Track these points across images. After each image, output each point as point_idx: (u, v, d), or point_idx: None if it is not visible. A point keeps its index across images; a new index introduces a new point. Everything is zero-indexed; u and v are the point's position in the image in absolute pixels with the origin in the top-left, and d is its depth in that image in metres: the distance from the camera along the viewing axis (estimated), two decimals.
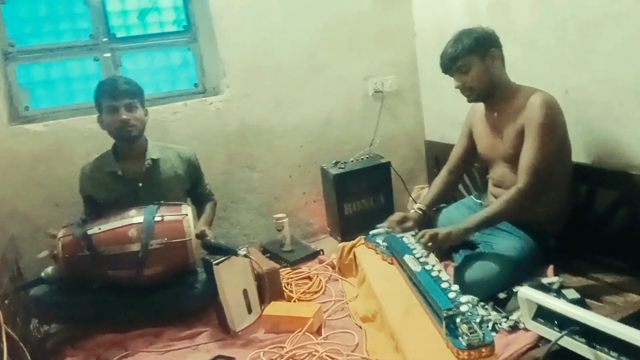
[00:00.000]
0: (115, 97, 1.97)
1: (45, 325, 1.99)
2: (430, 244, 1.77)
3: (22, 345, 1.58)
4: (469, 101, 1.93)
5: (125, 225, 1.84)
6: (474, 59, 1.81)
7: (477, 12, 2.32)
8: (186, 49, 2.60)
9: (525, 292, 1.42)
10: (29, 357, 1.59)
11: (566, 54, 1.95)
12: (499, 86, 1.86)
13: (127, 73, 2.47)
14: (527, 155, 1.76)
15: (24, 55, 2.35)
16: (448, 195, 2.25)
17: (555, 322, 1.36)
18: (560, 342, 1.31)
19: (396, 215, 2.10)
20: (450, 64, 1.85)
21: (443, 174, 2.18)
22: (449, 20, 2.50)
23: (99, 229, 1.84)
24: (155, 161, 2.08)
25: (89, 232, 1.83)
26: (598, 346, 1.24)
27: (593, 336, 1.25)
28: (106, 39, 2.45)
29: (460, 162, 2.15)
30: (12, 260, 2.09)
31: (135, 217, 1.87)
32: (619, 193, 1.84)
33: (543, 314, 1.40)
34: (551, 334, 1.36)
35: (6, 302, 1.73)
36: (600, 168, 1.90)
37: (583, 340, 1.27)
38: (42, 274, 1.86)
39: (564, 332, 1.29)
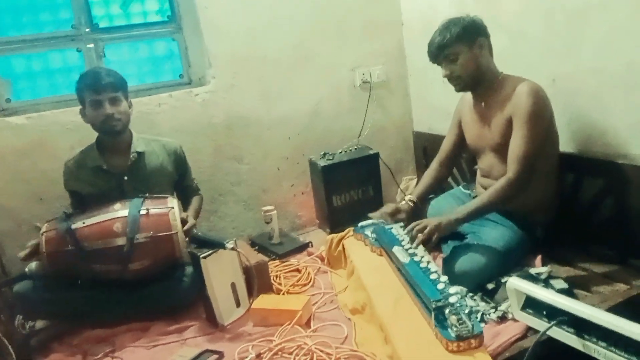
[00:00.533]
0: (98, 91, 1.92)
1: (31, 322, 1.95)
2: (419, 236, 1.76)
3: (6, 342, 1.56)
4: (457, 90, 1.92)
5: (110, 219, 1.81)
6: (462, 48, 1.80)
7: (463, 1, 2.30)
8: (170, 39, 2.56)
9: (514, 282, 1.42)
10: (14, 354, 1.57)
11: (554, 42, 1.95)
12: (486, 75, 1.86)
13: (110, 64, 2.43)
14: (517, 144, 1.76)
15: (4, 46, 2.30)
16: (439, 187, 2.24)
17: (544, 313, 1.36)
18: (549, 333, 1.31)
19: (388, 207, 2.10)
20: (438, 52, 1.84)
21: (434, 165, 2.17)
22: (436, 10, 2.48)
23: (83, 223, 1.81)
24: (140, 154, 2.04)
25: (73, 226, 1.79)
26: (587, 336, 1.25)
27: (582, 326, 1.25)
28: (89, 30, 2.39)
29: (451, 153, 2.15)
30: None
31: (120, 210, 1.84)
32: (605, 182, 1.85)
33: (532, 304, 1.40)
34: (540, 324, 1.36)
35: None
36: (587, 157, 1.90)
37: (572, 330, 1.28)
38: (26, 270, 1.83)
39: (552, 323, 1.29)
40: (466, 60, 1.81)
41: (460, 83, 1.87)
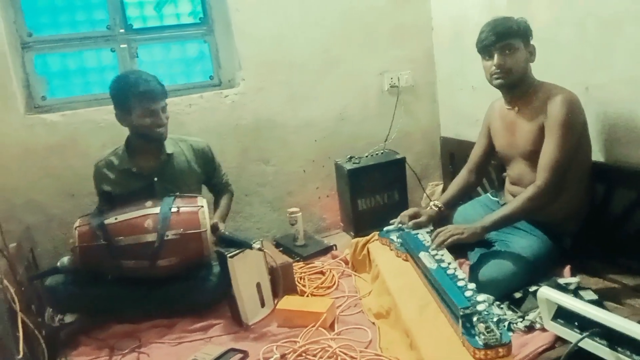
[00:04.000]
0: (154, 100, 1.93)
1: (60, 315, 2.00)
2: (442, 239, 1.80)
3: (37, 333, 1.59)
4: (498, 84, 1.84)
5: (142, 216, 1.84)
6: (520, 43, 1.79)
7: (496, 8, 2.29)
8: (202, 41, 2.59)
9: (546, 292, 1.40)
10: (44, 346, 1.60)
11: (586, 51, 1.93)
12: (526, 80, 1.84)
13: (143, 64, 2.47)
14: (548, 152, 1.74)
15: (41, 45, 2.35)
16: (467, 195, 2.22)
17: (576, 324, 1.33)
18: (581, 344, 1.29)
19: (409, 210, 2.11)
20: (498, 39, 1.78)
21: (463, 173, 2.16)
22: (467, 16, 2.47)
23: (115, 219, 1.84)
24: (170, 156, 2.07)
25: (106, 222, 1.83)
26: (620, 349, 1.22)
27: (615, 338, 1.23)
28: (123, 30, 2.44)
29: (480, 161, 2.13)
30: (27, 250, 2.10)
31: (152, 208, 1.87)
32: (637, 193, 1.81)
33: (563, 315, 1.38)
34: (571, 335, 1.34)
35: (22, 289, 1.74)
36: (618, 167, 1.87)
37: (604, 342, 1.25)
38: (58, 264, 1.86)
39: (585, 334, 1.27)
40: (521, 56, 1.79)
41: (506, 77, 1.80)
